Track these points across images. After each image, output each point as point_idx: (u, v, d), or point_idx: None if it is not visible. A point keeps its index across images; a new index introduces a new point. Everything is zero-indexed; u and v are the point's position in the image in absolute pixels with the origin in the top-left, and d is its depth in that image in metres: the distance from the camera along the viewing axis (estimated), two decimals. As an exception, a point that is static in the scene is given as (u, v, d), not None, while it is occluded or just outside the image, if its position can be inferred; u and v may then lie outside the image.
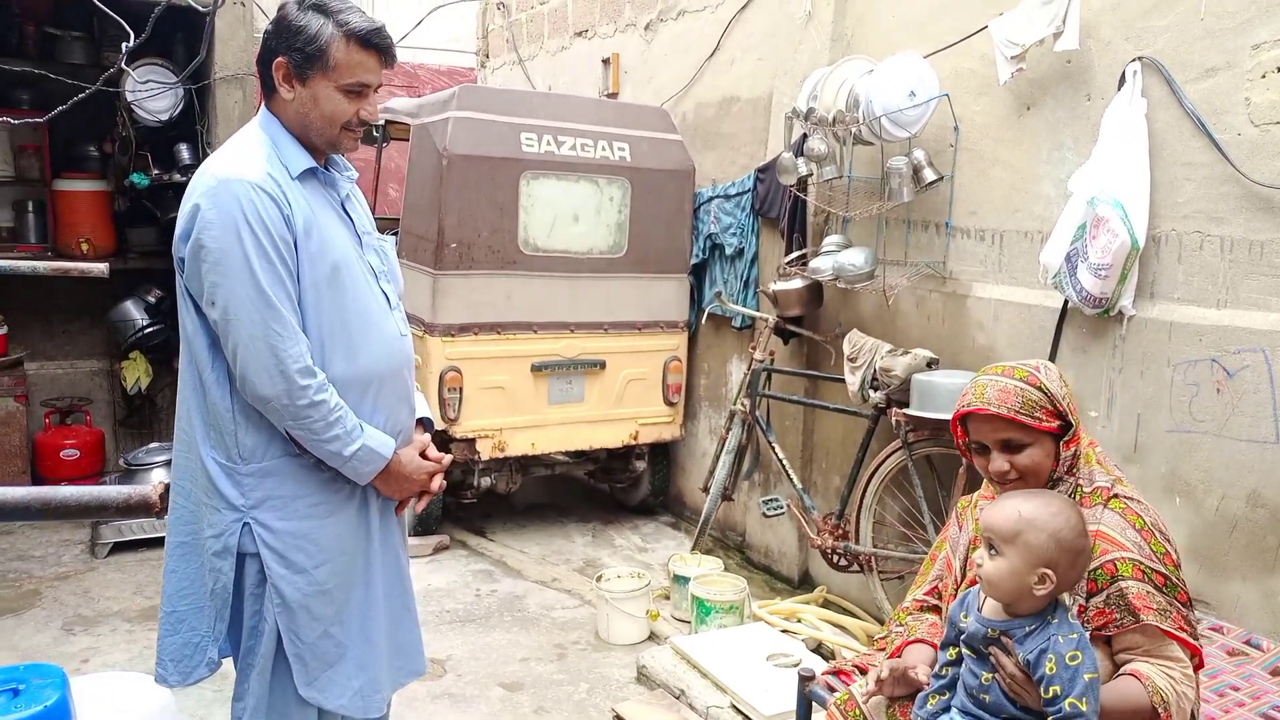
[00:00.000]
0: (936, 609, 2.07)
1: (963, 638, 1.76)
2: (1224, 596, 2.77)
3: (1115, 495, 1.85)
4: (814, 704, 2.25)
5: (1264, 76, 2.69)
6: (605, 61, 6.19)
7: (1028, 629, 1.68)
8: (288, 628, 1.98)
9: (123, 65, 3.98)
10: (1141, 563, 1.76)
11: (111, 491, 1.03)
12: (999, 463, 1.85)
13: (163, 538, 4.68)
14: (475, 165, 4.49)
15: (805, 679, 2.26)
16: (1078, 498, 1.86)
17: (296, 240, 1.91)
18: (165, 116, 4.88)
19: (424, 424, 2.24)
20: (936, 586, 2.08)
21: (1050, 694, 1.62)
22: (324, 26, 1.90)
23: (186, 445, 2.02)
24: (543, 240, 4.73)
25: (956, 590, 1.96)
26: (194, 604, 2.03)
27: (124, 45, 3.30)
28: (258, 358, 1.86)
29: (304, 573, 1.98)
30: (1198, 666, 1.79)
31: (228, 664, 2.05)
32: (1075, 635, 1.65)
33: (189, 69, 4.51)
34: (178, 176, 4.95)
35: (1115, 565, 1.76)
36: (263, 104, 2.02)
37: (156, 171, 5.07)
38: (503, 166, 4.56)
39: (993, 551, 1.69)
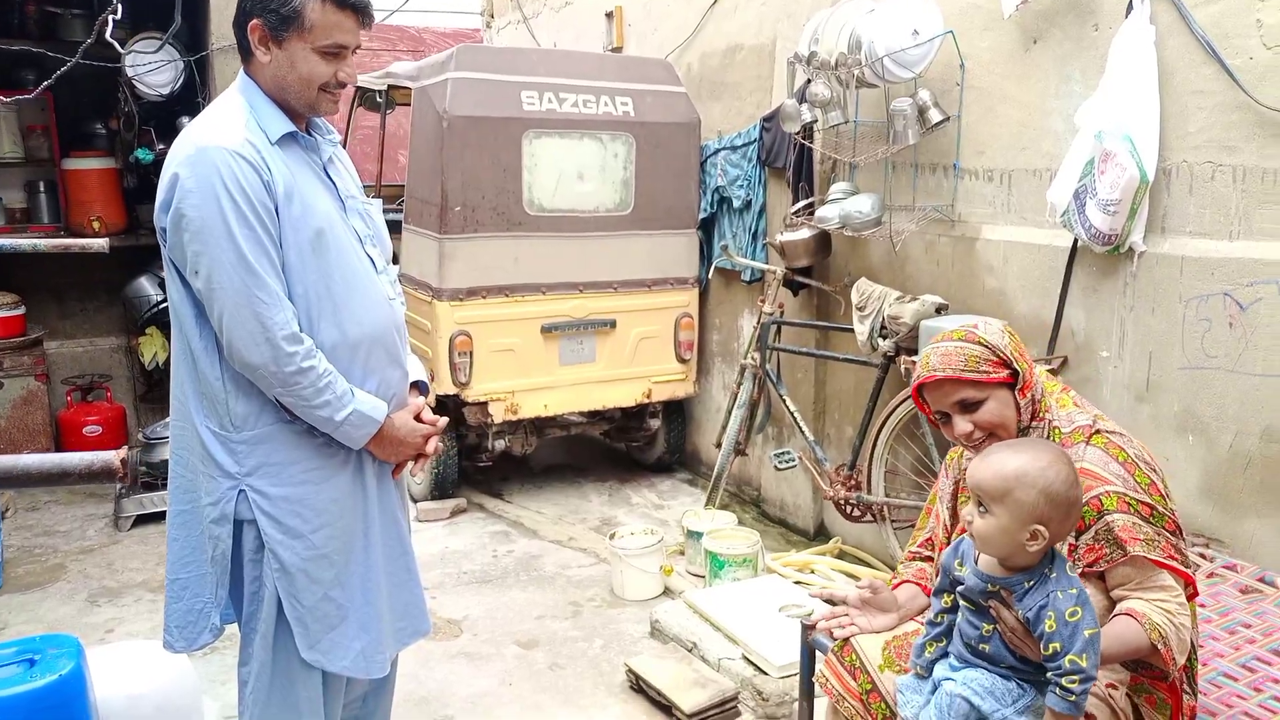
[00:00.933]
0: (930, 559, 2.05)
1: (960, 590, 1.74)
2: (1239, 534, 2.72)
3: (1097, 431, 1.81)
4: (816, 651, 2.24)
5: (1275, -4, 2.58)
6: (609, 15, 6.09)
7: (1026, 584, 1.64)
8: (287, 592, 1.99)
9: (109, 37, 3.96)
10: (1126, 494, 1.73)
11: (73, 459, 1.03)
12: (962, 425, 1.83)
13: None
14: (476, 126, 4.44)
15: (808, 628, 2.25)
16: (1057, 439, 1.82)
17: (278, 206, 1.89)
18: (167, 90, 4.87)
19: (419, 387, 2.23)
20: (930, 538, 2.06)
21: (1050, 650, 1.60)
22: None
23: (181, 415, 2.02)
24: (548, 200, 4.69)
25: (948, 539, 1.94)
26: (195, 571, 2.05)
27: (109, 15, 3.27)
28: (243, 325, 1.85)
29: (301, 537, 1.99)
30: (1191, 595, 1.76)
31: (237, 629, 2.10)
32: (1074, 590, 1.61)
33: (170, 33, 4.49)
34: (181, 149, 4.95)
35: (1100, 500, 1.73)
36: (241, 69, 1.99)
37: (161, 146, 5.06)
38: (504, 126, 4.51)
39: (981, 509, 1.64)
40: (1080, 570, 1.75)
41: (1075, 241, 3.15)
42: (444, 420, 2.23)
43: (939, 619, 1.80)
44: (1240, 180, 2.70)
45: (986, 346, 1.82)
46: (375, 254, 2.10)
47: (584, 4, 6.49)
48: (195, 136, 1.88)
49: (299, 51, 1.90)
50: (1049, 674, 1.61)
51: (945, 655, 1.80)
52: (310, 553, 2.00)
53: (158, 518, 4.70)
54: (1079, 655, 1.57)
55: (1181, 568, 1.72)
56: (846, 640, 1.96)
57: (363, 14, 1.94)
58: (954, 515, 1.98)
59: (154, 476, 4.75)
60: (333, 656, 2.05)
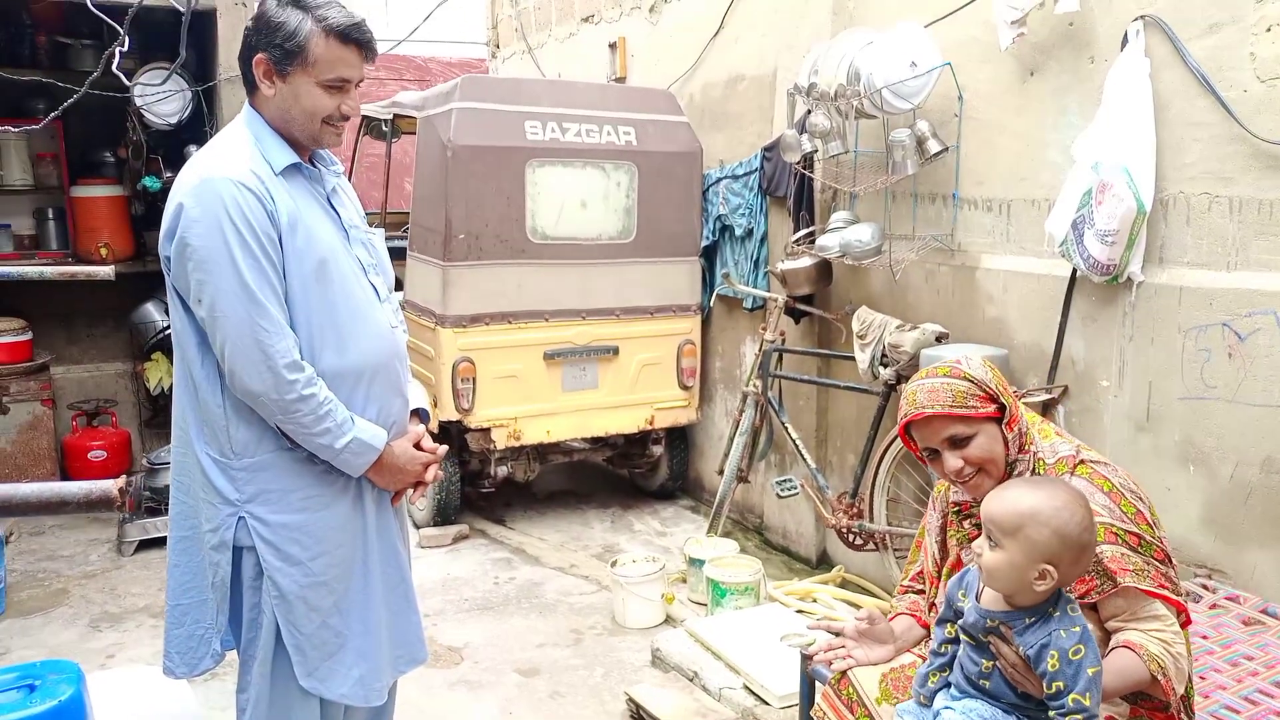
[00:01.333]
0: (921, 592, 2.05)
1: (961, 624, 1.74)
2: (1241, 565, 2.72)
3: (1081, 461, 1.82)
4: (816, 681, 2.24)
5: (1269, 30, 2.61)
6: (612, 46, 6.16)
7: (1028, 621, 1.63)
8: (286, 619, 2.00)
9: (116, 69, 4.02)
10: (1113, 525, 1.74)
11: (72, 488, 1.05)
12: (953, 461, 1.82)
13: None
14: (480, 155, 4.49)
15: (807, 658, 2.24)
16: (1042, 470, 1.83)
17: (281, 236, 1.91)
18: (174, 119, 4.92)
19: (419, 414, 2.25)
20: (921, 571, 2.07)
21: (1053, 689, 1.59)
22: (303, 22, 1.91)
23: (182, 442, 2.05)
24: (551, 228, 4.72)
25: (938, 573, 1.95)
26: (196, 597, 2.07)
27: (117, 48, 3.33)
28: (245, 353, 1.87)
29: (300, 565, 2.00)
30: (1185, 623, 1.76)
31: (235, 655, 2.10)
32: (1078, 629, 1.60)
33: (172, 62, 4.56)
34: (189, 178, 5.00)
35: None
36: (246, 101, 2.03)
37: (168, 174, 5.12)
38: (508, 155, 4.55)
39: (992, 543, 1.64)
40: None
41: (1074, 271, 3.16)
42: (443, 449, 2.25)
43: (942, 649, 1.80)
44: (1237, 211, 2.72)
45: (972, 382, 1.83)
46: (378, 283, 2.12)
47: (588, 35, 6.56)
48: (200, 167, 1.91)
49: (303, 85, 1.93)
50: (1051, 712, 1.60)
51: (947, 685, 1.80)
52: (309, 580, 2.01)
53: (161, 542, 4.70)
54: (1083, 694, 1.56)
55: (1173, 596, 1.72)
56: (844, 674, 1.96)
57: (366, 48, 1.97)
58: (943, 548, 1.98)
59: (158, 501, 4.76)
60: (330, 684, 2.06)
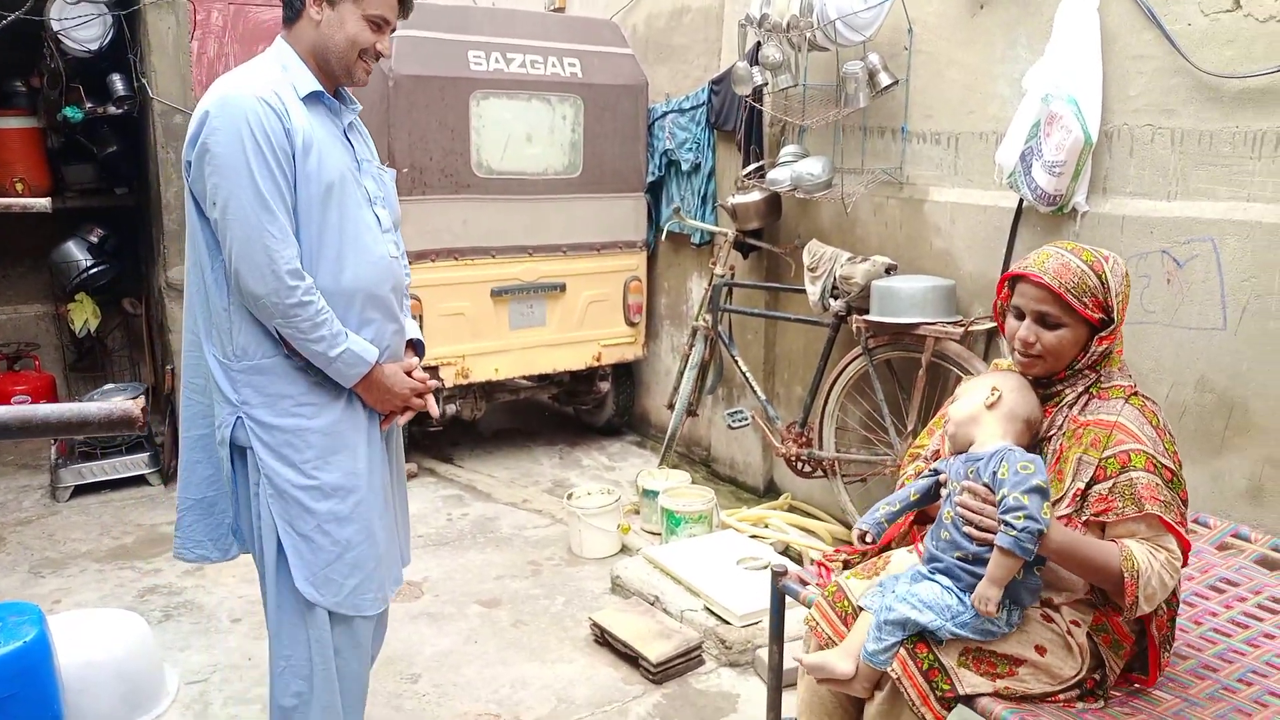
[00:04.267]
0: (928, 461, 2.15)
1: (949, 480, 1.91)
2: (1174, 479, 2.88)
3: (1136, 393, 1.89)
4: (787, 597, 2.32)
5: (1213, -36, 2.69)
6: (551, -25, 6.02)
7: (992, 452, 1.83)
8: (283, 518, 2.08)
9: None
10: (1155, 457, 1.80)
11: (92, 408, 1.02)
12: (1027, 331, 1.89)
13: (125, 479, 4.62)
14: (422, 86, 4.38)
15: (778, 574, 2.32)
16: (1096, 391, 1.90)
17: (295, 155, 1.99)
18: (95, 46, 4.66)
19: (414, 348, 2.33)
20: (935, 453, 2.14)
21: (1000, 498, 1.75)
22: None
23: (193, 345, 2.15)
24: (496, 162, 4.65)
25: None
26: (221, 489, 2.20)
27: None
28: (251, 256, 1.95)
29: (294, 466, 2.08)
30: (1183, 564, 1.85)
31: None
32: (1033, 456, 1.80)
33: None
34: (113, 109, 4.76)
35: (1129, 455, 1.80)
36: (281, 33, 2.11)
37: (90, 105, 4.86)
38: (451, 86, 4.45)
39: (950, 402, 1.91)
40: (1085, 519, 1.83)
41: (1020, 202, 3.26)
42: (435, 382, 2.30)
43: (913, 496, 2.02)
44: (1178, 143, 2.83)
45: (1104, 285, 1.85)
46: (382, 214, 2.18)
47: (525, -36, 6.39)
48: (228, 83, 2.00)
49: (349, 14, 2.05)
50: (998, 518, 1.76)
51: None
52: (304, 481, 2.08)
53: (97, 488, 4.59)
54: (1022, 495, 1.72)
55: (1185, 536, 1.81)
56: (838, 586, 2.03)
57: (404, 1, 2.13)
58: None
59: (93, 446, 4.63)
60: (326, 592, 2.12)
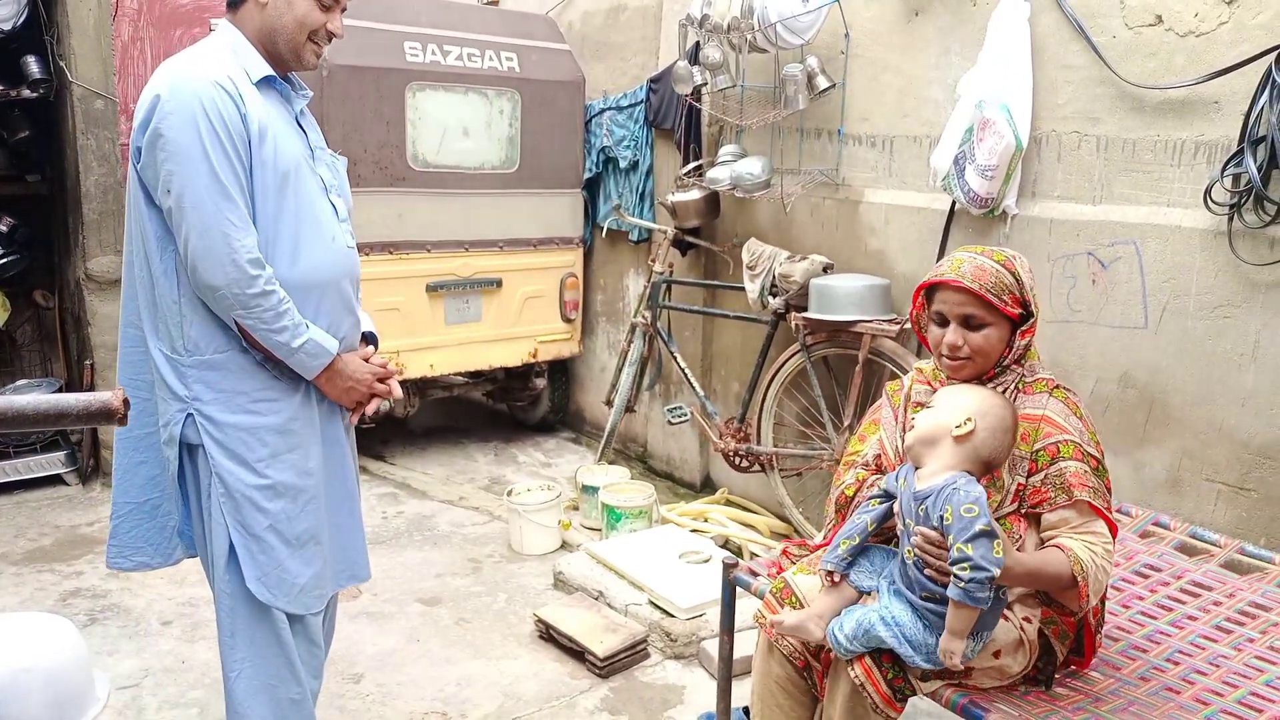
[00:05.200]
0: (868, 467, 2.15)
1: (900, 514, 1.86)
2: (1098, 471, 3.01)
3: (1058, 386, 1.97)
4: (738, 589, 2.36)
5: (1138, -20, 2.83)
6: (484, -31, 5.97)
7: (938, 489, 1.78)
8: (234, 518, 2.02)
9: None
10: (1082, 445, 1.89)
11: (69, 399, 0.99)
12: (954, 336, 1.92)
13: (38, 479, 4.42)
14: (358, 76, 4.30)
15: (729, 566, 2.36)
16: (1021, 386, 1.96)
17: (251, 141, 1.93)
18: (7, 26, 4.44)
19: (367, 339, 2.28)
20: (875, 458, 2.14)
21: (949, 543, 1.73)
22: None
23: (135, 340, 2.07)
24: (433, 156, 4.60)
25: (898, 460, 2.05)
26: (165, 490, 2.12)
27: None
28: (210, 246, 1.88)
29: (247, 465, 2.02)
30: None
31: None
32: (976, 494, 1.75)
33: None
34: (26, 92, 4.55)
35: (1059, 447, 1.88)
36: (226, 16, 2.03)
37: (2, 88, 4.64)
38: (386, 77, 4.39)
39: (928, 408, 1.85)
40: (1025, 510, 1.91)
41: (953, 204, 3.37)
42: (394, 367, 2.26)
43: (859, 519, 1.97)
44: (1103, 149, 2.97)
45: (1018, 281, 1.92)
46: (338, 203, 2.13)
47: (457, -44, 6.32)
48: (177, 67, 1.93)
49: None
50: (949, 567, 1.74)
51: (860, 554, 1.95)
52: (257, 480, 2.02)
53: (9, 489, 4.40)
54: (965, 544, 1.70)
55: (1113, 520, 1.90)
56: (785, 583, 2.07)
57: None
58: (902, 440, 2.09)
59: (4, 444, 4.42)
60: (277, 592, 2.07)
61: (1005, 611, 1.90)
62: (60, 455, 4.50)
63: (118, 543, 2.16)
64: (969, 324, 1.92)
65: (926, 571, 1.80)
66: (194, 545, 2.16)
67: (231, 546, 2.03)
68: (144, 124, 1.90)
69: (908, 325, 3.47)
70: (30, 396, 0.99)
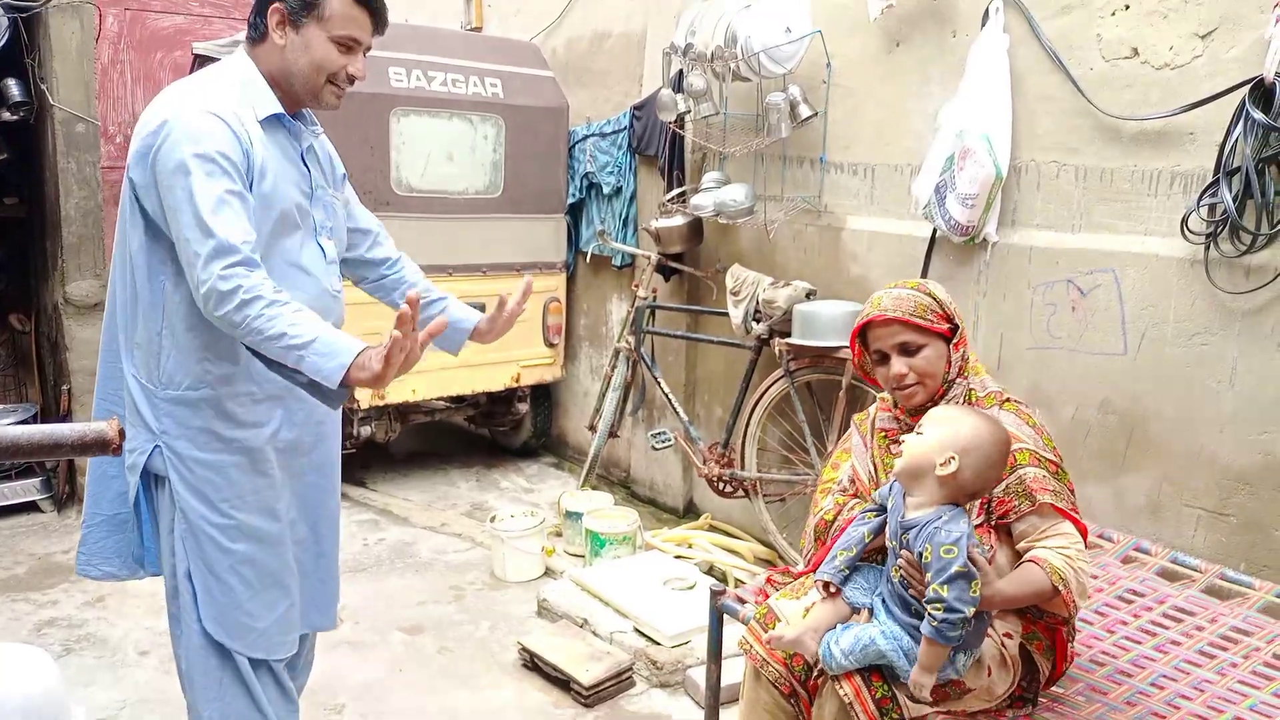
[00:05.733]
0: (845, 491, 2.18)
1: (888, 534, 1.89)
2: (1079, 499, 3.02)
3: (1009, 399, 2.02)
4: (725, 615, 2.36)
5: (1114, 14, 2.89)
6: (467, -5, 6.01)
7: (922, 524, 1.80)
8: (196, 556, 2.00)
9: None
10: (1037, 452, 1.93)
11: (64, 429, 0.98)
12: (899, 366, 1.98)
13: (12, 505, 4.36)
14: (342, 101, 4.29)
15: (717, 593, 2.36)
16: (973, 400, 2.01)
17: (252, 180, 1.89)
18: (-14, 49, 4.43)
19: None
20: (852, 478, 2.17)
21: (926, 581, 1.76)
22: None
23: (112, 358, 2.05)
24: (417, 180, 4.61)
25: (875, 486, 2.08)
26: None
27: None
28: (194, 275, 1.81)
29: (211, 504, 1.99)
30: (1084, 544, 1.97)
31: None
32: (958, 534, 1.76)
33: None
34: (6, 115, 4.52)
35: (1014, 456, 1.91)
36: (244, 48, 1.99)
37: (-19, 110, 4.61)
38: (371, 103, 4.40)
39: (919, 433, 1.85)
40: (994, 523, 1.93)
41: (934, 232, 3.40)
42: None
43: (854, 531, 1.97)
44: (1082, 179, 3.01)
45: (935, 299, 2.00)
46: (328, 245, 2.09)
47: (440, -18, 6.37)
48: (184, 92, 1.90)
49: (315, 37, 1.94)
50: (925, 604, 1.76)
51: (852, 571, 1.96)
52: (221, 520, 1.99)
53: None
54: (941, 585, 1.73)
55: (1080, 519, 1.93)
56: (769, 608, 2.07)
57: (377, 16, 1.99)
58: (874, 471, 2.13)
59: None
60: (233, 634, 2.03)
61: (989, 631, 1.92)
62: (35, 482, 4.44)
63: (87, 550, 2.14)
64: (907, 351, 1.99)
65: (911, 592, 1.83)
66: (157, 565, 2.12)
67: (191, 582, 2.00)
68: (144, 151, 1.86)
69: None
70: (25, 427, 0.98)
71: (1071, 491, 1.96)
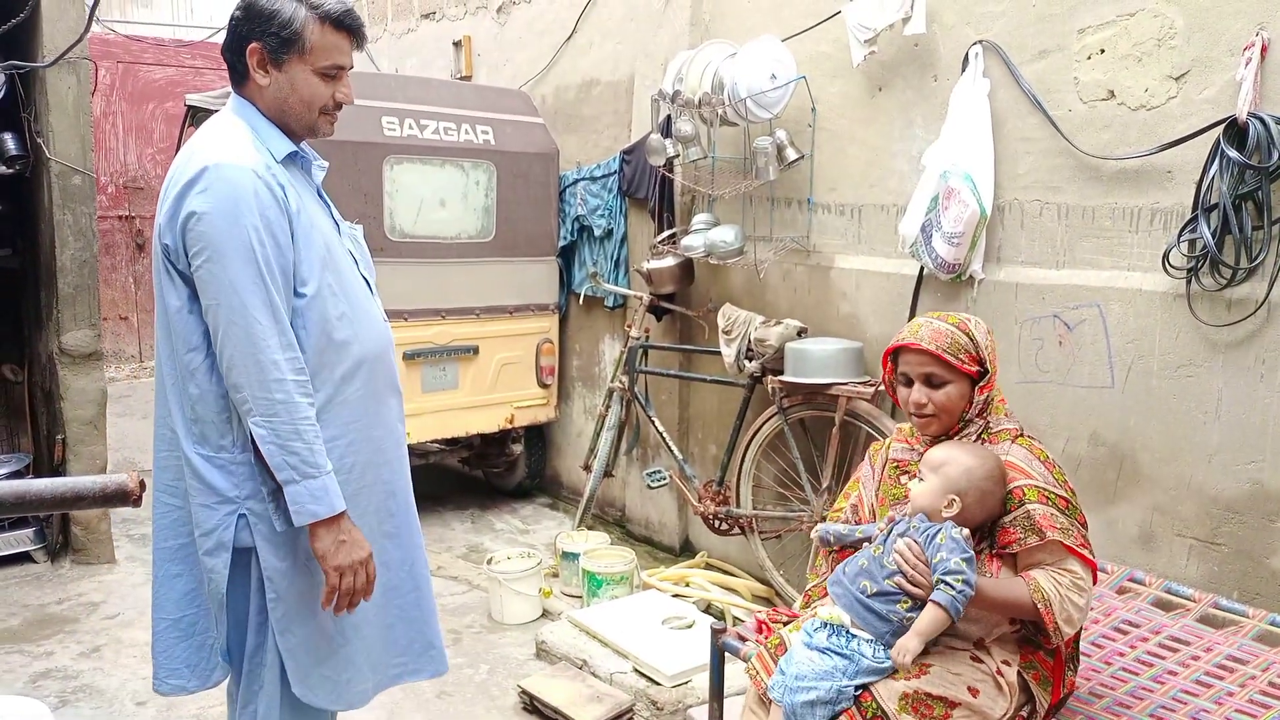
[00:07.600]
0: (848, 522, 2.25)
1: (893, 529, 2.02)
2: (1072, 528, 3.08)
3: (1022, 434, 2.08)
4: (726, 653, 2.37)
5: (1089, 58, 2.98)
6: (456, 44, 6.12)
7: (927, 525, 1.95)
8: (282, 621, 1.94)
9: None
10: (1046, 489, 1.98)
11: (86, 482, 1.00)
12: (919, 394, 2.06)
13: (5, 556, 4.34)
14: (336, 150, 4.35)
15: (718, 631, 2.38)
16: (986, 437, 2.07)
17: (292, 220, 1.87)
18: (-17, 104, 4.48)
19: None
20: (855, 505, 2.26)
21: (939, 560, 1.89)
22: (296, 10, 1.90)
23: (169, 443, 1.96)
24: (410, 226, 4.67)
25: (873, 515, 2.16)
26: (203, 606, 2.00)
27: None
28: (237, 343, 1.80)
29: (300, 564, 1.93)
30: (1094, 582, 2.00)
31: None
32: (967, 532, 1.91)
33: None
34: (3, 169, 4.57)
35: (1023, 491, 1.97)
36: (233, 92, 1.99)
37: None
38: (365, 151, 4.46)
39: (921, 478, 1.97)
40: (995, 550, 1.98)
41: (921, 270, 3.47)
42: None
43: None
44: (1064, 216, 3.09)
45: (973, 341, 2.06)
46: (368, 275, 2.10)
47: (428, 31, 6.49)
48: (206, 155, 1.84)
49: (299, 74, 1.91)
50: (936, 578, 1.88)
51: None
52: (309, 580, 1.94)
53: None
54: (962, 560, 1.87)
55: (1089, 556, 1.97)
56: (780, 639, 2.10)
57: (357, 34, 1.98)
58: (875, 500, 2.20)
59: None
60: (319, 692, 2.00)
61: (981, 655, 1.98)
62: (28, 532, 4.42)
63: (159, 662, 2.04)
64: (931, 382, 2.06)
65: (895, 578, 1.93)
66: (228, 656, 2.03)
67: (277, 650, 1.96)
68: (174, 216, 1.84)
69: (881, 388, 3.54)
70: (48, 480, 1.01)
71: (1084, 525, 2.00)
